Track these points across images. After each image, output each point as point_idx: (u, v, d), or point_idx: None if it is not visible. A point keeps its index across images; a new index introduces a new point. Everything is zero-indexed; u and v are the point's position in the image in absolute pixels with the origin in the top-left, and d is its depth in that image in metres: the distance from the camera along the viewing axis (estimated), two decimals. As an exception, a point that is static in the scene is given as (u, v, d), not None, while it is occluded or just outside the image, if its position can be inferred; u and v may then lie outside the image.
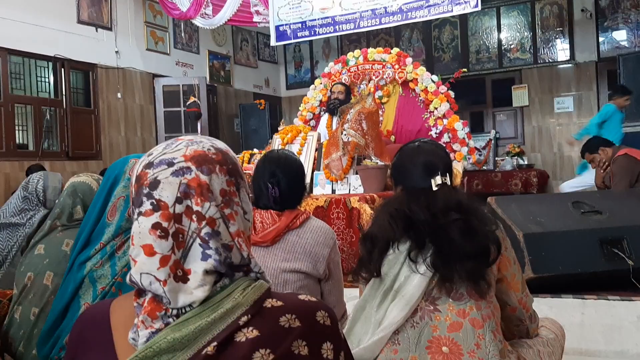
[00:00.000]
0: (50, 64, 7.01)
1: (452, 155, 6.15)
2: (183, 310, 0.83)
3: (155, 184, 0.86)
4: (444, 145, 6.17)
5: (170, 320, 0.83)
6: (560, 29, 8.95)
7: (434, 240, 1.53)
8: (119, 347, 0.86)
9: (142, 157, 0.92)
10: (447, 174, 1.68)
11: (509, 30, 9.33)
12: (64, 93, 7.10)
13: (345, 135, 4.75)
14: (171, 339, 0.80)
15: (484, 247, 1.53)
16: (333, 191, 4.80)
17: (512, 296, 1.68)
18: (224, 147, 0.93)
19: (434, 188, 1.62)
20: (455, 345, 1.48)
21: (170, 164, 0.87)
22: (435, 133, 6.15)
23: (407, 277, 1.54)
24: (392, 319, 1.52)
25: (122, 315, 0.89)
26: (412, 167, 1.71)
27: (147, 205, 0.85)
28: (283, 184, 2.00)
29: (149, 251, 0.84)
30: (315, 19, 6.83)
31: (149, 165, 0.88)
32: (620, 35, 8.63)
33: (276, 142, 5.36)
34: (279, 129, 5.62)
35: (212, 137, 0.98)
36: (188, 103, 7.08)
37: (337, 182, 4.81)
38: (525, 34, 9.21)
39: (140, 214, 0.86)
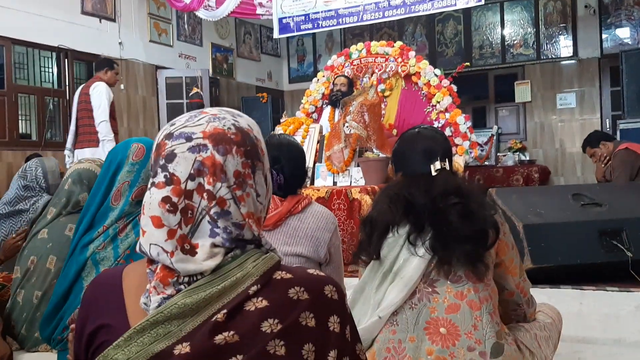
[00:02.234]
0: (54, 54, 7.02)
1: (453, 149, 6.16)
2: (195, 278, 0.85)
3: (171, 156, 0.87)
4: (446, 139, 6.18)
5: (182, 287, 0.84)
6: (564, 25, 8.95)
7: (433, 223, 1.55)
8: (130, 311, 0.88)
9: (166, 125, 0.93)
10: (447, 159, 1.70)
11: (513, 26, 9.33)
12: (67, 83, 7.12)
13: (347, 127, 4.76)
14: (182, 304, 0.82)
15: (483, 231, 1.54)
16: (334, 183, 4.81)
17: (509, 280, 1.70)
18: (246, 126, 0.93)
19: (433, 173, 1.64)
20: (452, 326, 1.51)
21: (188, 138, 0.87)
22: (438, 127, 6.16)
23: (406, 260, 1.56)
24: (390, 300, 1.54)
25: (134, 281, 0.91)
26: (411, 153, 1.73)
27: (160, 178, 0.87)
28: (286, 170, 2.01)
29: (157, 223, 0.85)
30: (318, 12, 6.83)
31: (169, 136, 0.89)
32: (624, 32, 8.62)
33: (278, 134, 5.37)
34: (281, 120, 5.64)
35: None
36: (190, 94, 7.10)
37: (338, 174, 4.83)
38: (529, 29, 9.20)
39: (153, 184, 0.87)
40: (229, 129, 0.90)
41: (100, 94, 5.77)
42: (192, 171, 0.86)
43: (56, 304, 2.21)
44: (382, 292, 1.59)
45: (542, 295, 2.83)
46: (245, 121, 0.94)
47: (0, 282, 2.81)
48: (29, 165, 3.24)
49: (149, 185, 0.88)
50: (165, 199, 0.85)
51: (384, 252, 1.60)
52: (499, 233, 1.58)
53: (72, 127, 5.94)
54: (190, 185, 0.86)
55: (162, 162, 0.87)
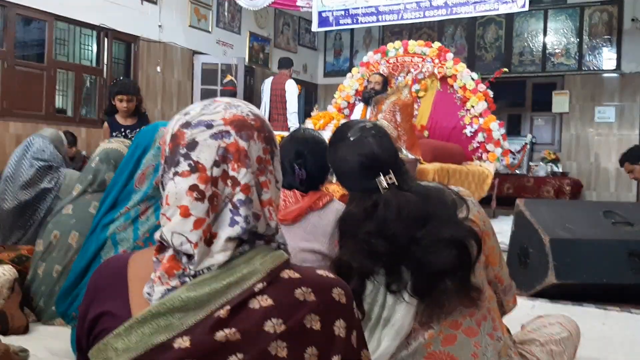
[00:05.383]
0: (95, 32, 7.11)
1: (484, 155, 6.07)
2: (201, 272, 0.83)
3: (193, 144, 0.85)
4: (477, 144, 6.08)
5: (187, 279, 0.83)
6: (608, 37, 8.72)
7: (407, 264, 1.41)
8: (133, 299, 0.86)
9: (177, 116, 0.91)
10: (394, 167, 1.49)
11: (555, 35, 9.13)
12: (105, 62, 7.20)
13: (378, 125, 4.73)
14: (185, 297, 0.81)
15: (462, 252, 1.39)
16: (361, 180, 4.78)
17: (489, 271, 1.58)
18: (260, 114, 0.93)
19: (382, 190, 1.45)
20: (451, 358, 1.43)
21: (209, 125, 0.86)
22: (470, 132, 6.08)
23: (394, 305, 1.44)
24: (384, 349, 1.44)
25: (139, 269, 0.89)
26: (348, 167, 1.53)
27: (184, 166, 0.85)
28: (310, 165, 1.99)
29: (185, 212, 0.84)
30: (358, 7, 6.79)
31: (187, 124, 0.87)
32: (670, 48, 8.38)
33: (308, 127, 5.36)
34: (312, 114, 5.62)
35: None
36: (224, 81, 7.14)
37: (365, 171, 4.79)
38: (572, 39, 8.99)
39: (176, 173, 0.85)
40: (247, 115, 0.89)
41: (294, 91, 6.89)
42: (216, 158, 0.85)
43: (73, 280, 2.23)
44: (376, 342, 1.46)
45: (563, 311, 2.75)
46: (257, 109, 0.94)
47: (24, 254, 2.84)
48: (37, 144, 3.17)
49: (170, 176, 0.86)
50: (193, 187, 0.84)
51: (367, 303, 1.45)
52: (479, 241, 1.43)
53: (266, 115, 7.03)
54: (216, 172, 0.85)
55: (183, 151, 0.85)
